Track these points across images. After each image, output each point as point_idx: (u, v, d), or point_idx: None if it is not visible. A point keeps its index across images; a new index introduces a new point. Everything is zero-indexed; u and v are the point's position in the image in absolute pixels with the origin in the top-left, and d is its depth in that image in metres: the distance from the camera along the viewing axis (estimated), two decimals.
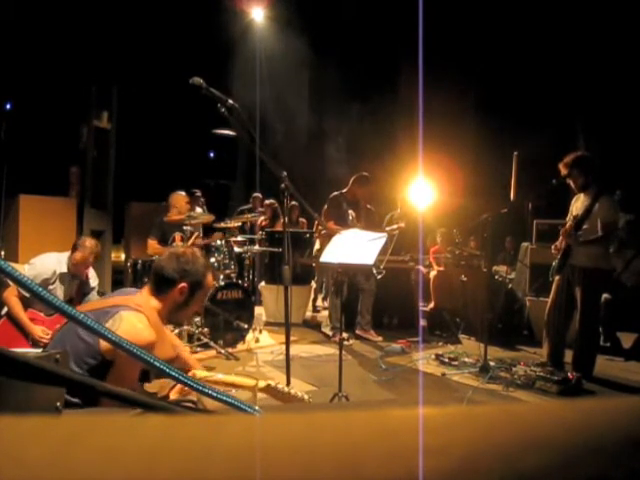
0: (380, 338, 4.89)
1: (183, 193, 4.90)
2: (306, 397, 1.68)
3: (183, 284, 1.69)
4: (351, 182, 5.06)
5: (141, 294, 1.70)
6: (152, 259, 4.30)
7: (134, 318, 1.54)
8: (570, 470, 0.20)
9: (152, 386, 1.70)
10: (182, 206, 4.70)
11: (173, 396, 1.62)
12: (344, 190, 5.08)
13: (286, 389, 1.65)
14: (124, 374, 1.49)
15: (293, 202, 6.49)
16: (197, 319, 4.21)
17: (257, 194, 7.12)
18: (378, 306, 5.23)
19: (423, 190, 5.39)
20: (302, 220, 7.07)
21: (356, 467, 0.20)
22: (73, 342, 1.48)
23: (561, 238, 3.73)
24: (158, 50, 7.42)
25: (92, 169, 7.17)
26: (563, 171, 3.73)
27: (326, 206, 5.04)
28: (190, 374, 1.65)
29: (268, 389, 1.61)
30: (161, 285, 1.69)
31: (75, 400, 1.29)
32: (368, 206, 5.21)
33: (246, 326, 4.46)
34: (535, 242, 5.26)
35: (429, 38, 5.13)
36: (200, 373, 1.74)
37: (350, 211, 4.83)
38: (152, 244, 4.62)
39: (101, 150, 7.22)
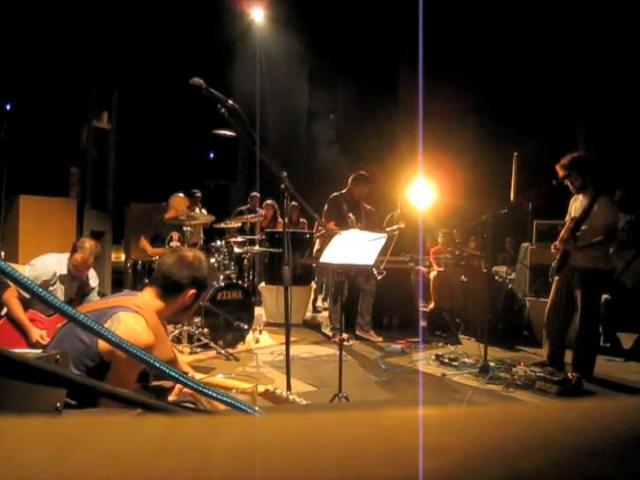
0: (380, 338, 4.89)
1: (182, 195, 4.92)
2: (304, 402, 1.67)
3: (193, 290, 1.71)
4: (349, 182, 5.07)
5: (142, 295, 1.70)
6: (152, 260, 4.31)
7: (132, 320, 1.53)
8: (570, 470, 0.20)
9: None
10: (181, 208, 4.73)
11: (171, 398, 1.62)
12: (343, 190, 5.08)
13: (284, 394, 1.64)
14: (122, 375, 1.49)
15: (293, 202, 6.50)
16: (197, 319, 4.21)
17: (255, 193, 7.11)
18: (378, 307, 5.23)
19: (423, 191, 5.39)
20: (302, 220, 7.07)
21: (356, 467, 0.20)
22: (71, 343, 1.48)
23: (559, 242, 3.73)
24: (158, 51, 7.43)
25: (92, 170, 7.18)
26: (560, 173, 3.73)
27: (326, 206, 5.04)
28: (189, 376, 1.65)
29: (266, 394, 1.60)
30: (169, 290, 1.70)
31: (73, 402, 1.29)
32: (368, 207, 5.21)
33: (246, 327, 4.46)
34: (535, 242, 5.26)
35: (429, 39, 5.13)
36: (196, 376, 1.73)
37: (350, 214, 4.82)
38: (142, 241, 4.65)
39: (101, 150, 7.22)
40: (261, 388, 1.61)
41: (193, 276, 1.70)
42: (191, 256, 1.75)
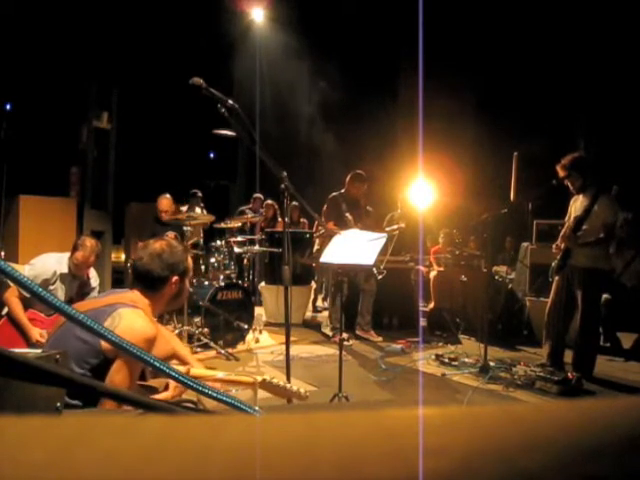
0: (380, 338, 4.89)
1: (168, 195, 5.02)
2: (302, 391, 1.68)
3: (175, 277, 1.72)
4: (347, 181, 5.07)
5: (133, 293, 1.70)
6: None
7: (133, 314, 1.54)
8: (570, 470, 0.20)
9: (153, 382, 1.71)
10: (161, 209, 4.90)
11: (172, 389, 1.62)
12: (342, 190, 5.08)
13: (281, 383, 1.65)
14: (128, 368, 1.49)
15: (294, 202, 6.50)
16: (197, 319, 4.21)
17: (258, 194, 7.12)
18: (378, 306, 5.23)
19: (423, 190, 5.39)
20: (303, 220, 7.07)
21: (356, 467, 0.20)
22: (72, 344, 1.47)
23: (561, 239, 3.74)
24: (158, 50, 7.42)
25: (92, 169, 7.18)
26: (561, 173, 3.74)
27: (325, 206, 5.04)
28: (185, 370, 1.65)
29: (264, 384, 1.61)
30: (153, 285, 1.71)
31: (75, 402, 1.29)
32: (368, 207, 5.22)
33: (246, 326, 4.46)
34: (535, 242, 5.26)
35: (429, 38, 5.13)
36: (196, 371, 1.73)
37: (347, 214, 4.82)
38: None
39: (101, 150, 7.23)
40: (258, 378, 1.62)
41: (169, 264, 1.71)
42: (159, 246, 1.75)
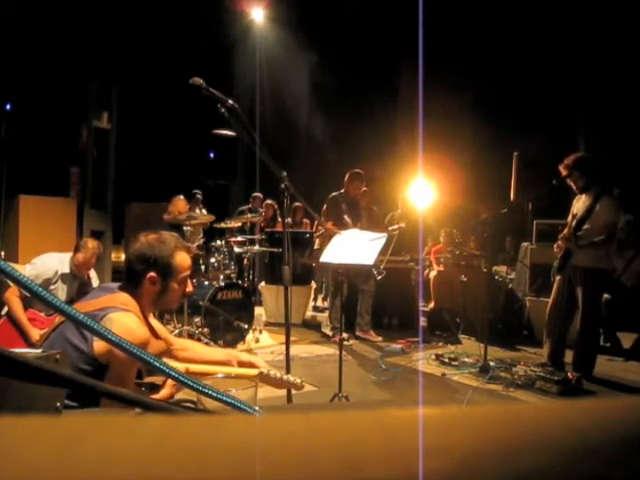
0: (380, 338, 4.89)
1: (182, 197, 5.00)
2: (298, 381, 1.67)
3: (151, 273, 1.58)
4: (345, 181, 5.07)
5: (122, 294, 1.63)
6: None
7: (125, 318, 1.50)
8: (570, 470, 0.20)
9: (152, 378, 1.70)
10: (177, 209, 4.88)
11: (167, 387, 1.60)
12: (342, 190, 5.08)
13: (278, 375, 1.64)
14: (122, 374, 1.48)
15: (297, 203, 6.51)
16: (197, 319, 4.21)
17: (257, 194, 7.12)
18: (378, 306, 5.22)
19: (423, 190, 5.39)
20: (306, 221, 7.06)
21: (356, 467, 0.20)
22: (64, 350, 1.45)
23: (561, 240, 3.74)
24: (158, 50, 7.43)
25: (92, 169, 7.18)
26: (563, 172, 3.74)
27: (325, 206, 5.04)
28: (184, 369, 1.64)
29: (261, 377, 1.60)
30: (132, 281, 1.60)
31: (74, 404, 1.29)
32: (373, 207, 5.22)
33: (246, 326, 4.46)
34: (535, 242, 5.26)
35: (429, 38, 5.13)
36: (195, 367, 1.72)
37: (345, 216, 4.82)
38: None
39: (101, 150, 7.23)
40: (254, 372, 1.61)
41: (145, 257, 1.57)
42: (143, 239, 1.62)
